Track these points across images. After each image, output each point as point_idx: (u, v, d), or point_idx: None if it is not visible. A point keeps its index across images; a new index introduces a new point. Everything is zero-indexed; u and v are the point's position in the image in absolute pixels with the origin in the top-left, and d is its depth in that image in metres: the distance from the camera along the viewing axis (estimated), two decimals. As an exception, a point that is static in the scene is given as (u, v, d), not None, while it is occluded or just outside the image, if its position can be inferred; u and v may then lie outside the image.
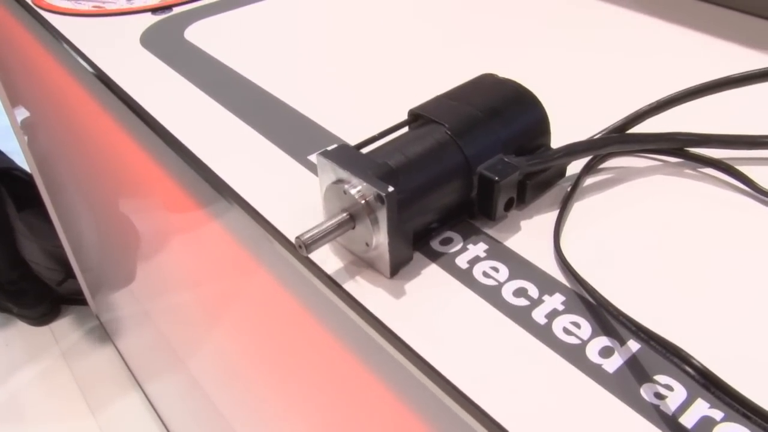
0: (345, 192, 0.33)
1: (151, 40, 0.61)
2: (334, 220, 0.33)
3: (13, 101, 1.09)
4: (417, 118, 0.39)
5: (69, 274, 1.41)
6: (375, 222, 0.33)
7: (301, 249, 0.33)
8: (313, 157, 0.44)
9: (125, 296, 1.05)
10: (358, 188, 0.33)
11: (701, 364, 0.26)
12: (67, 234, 1.27)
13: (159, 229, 0.68)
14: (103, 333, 1.44)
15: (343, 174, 0.33)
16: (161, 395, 1.20)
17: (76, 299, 1.48)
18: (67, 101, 0.74)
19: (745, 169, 0.40)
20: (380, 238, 0.33)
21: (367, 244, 0.34)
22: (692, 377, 0.26)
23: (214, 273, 0.58)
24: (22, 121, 1.12)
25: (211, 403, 0.77)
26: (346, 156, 0.34)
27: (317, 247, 0.33)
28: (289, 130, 0.47)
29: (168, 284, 0.76)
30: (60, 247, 1.32)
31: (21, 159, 1.32)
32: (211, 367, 0.72)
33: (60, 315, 1.51)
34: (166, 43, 0.60)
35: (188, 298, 0.70)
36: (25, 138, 1.15)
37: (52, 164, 1.09)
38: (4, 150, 1.48)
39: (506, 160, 0.36)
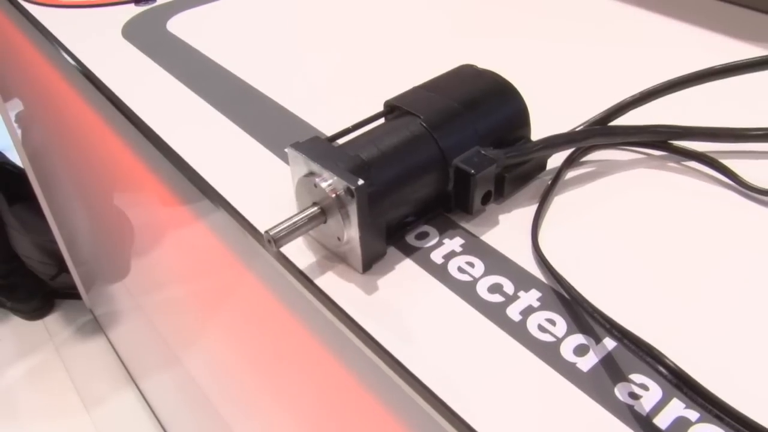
0: (316, 185, 0.32)
1: (133, 32, 0.60)
2: (304, 214, 0.33)
3: (6, 96, 1.09)
4: (393, 109, 0.38)
5: (62, 268, 1.40)
6: (346, 216, 0.32)
7: (270, 244, 0.32)
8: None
9: (119, 290, 1.04)
10: (328, 182, 0.32)
11: (674, 364, 0.25)
12: (60, 228, 1.26)
13: (149, 224, 0.67)
14: (97, 327, 1.44)
15: (314, 167, 0.33)
16: (154, 388, 1.20)
17: (70, 293, 1.47)
18: (57, 95, 0.74)
19: (728, 163, 0.39)
20: (351, 233, 0.32)
21: (339, 239, 0.33)
22: (665, 377, 0.26)
23: (199, 268, 0.57)
24: (16, 115, 1.11)
25: (204, 395, 0.76)
26: (318, 148, 0.33)
27: (287, 242, 0.32)
28: (268, 122, 0.46)
29: (160, 278, 0.75)
30: (53, 241, 1.31)
31: (11, 153, 1.31)
32: (202, 361, 0.72)
33: (53, 309, 1.51)
34: (149, 35, 0.59)
35: (179, 292, 0.69)
36: (18, 132, 1.14)
37: (45, 158, 1.08)
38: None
39: (483, 152, 0.35)
